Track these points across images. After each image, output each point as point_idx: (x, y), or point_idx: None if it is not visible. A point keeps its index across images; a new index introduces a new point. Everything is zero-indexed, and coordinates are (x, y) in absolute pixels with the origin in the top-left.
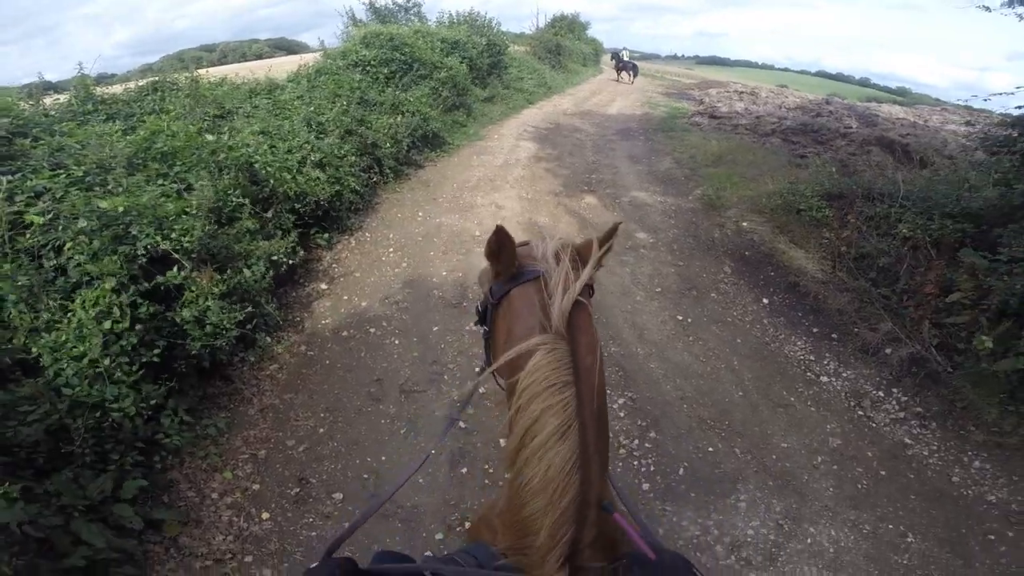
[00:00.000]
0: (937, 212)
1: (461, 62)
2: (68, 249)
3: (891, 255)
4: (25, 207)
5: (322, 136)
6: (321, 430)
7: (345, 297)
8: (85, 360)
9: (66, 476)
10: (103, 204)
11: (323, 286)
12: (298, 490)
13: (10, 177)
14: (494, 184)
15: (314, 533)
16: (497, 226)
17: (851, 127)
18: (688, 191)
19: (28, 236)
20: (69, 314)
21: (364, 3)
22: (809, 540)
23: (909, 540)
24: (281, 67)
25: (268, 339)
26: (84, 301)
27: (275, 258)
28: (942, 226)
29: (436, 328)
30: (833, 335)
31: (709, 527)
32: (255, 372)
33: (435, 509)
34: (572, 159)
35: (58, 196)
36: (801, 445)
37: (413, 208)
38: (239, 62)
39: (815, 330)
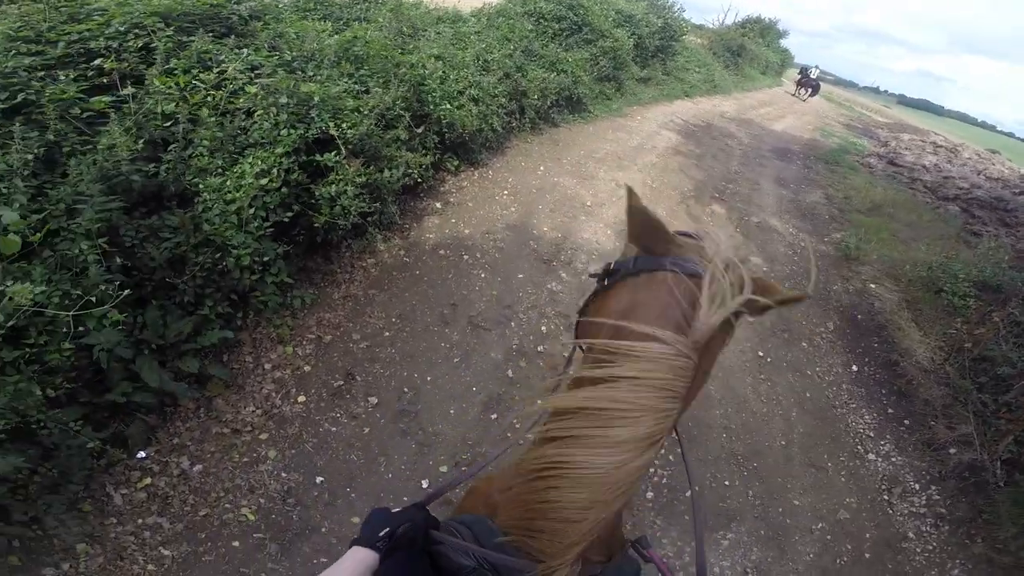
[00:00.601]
0: None
1: (629, 36)
2: (258, 115)
3: (1016, 367)
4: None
5: (484, 73)
6: (387, 333)
7: (453, 220)
8: (234, 206)
9: (155, 312)
10: (304, 88)
11: (438, 205)
12: (342, 383)
13: (249, 52)
14: (621, 163)
15: (335, 429)
16: (630, 189)
17: None
18: (827, 232)
19: (241, 99)
20: (237, 166)
21: None
22: None
23: None
24: (468, 2)
25: (378, 235)
26: (254, 159)
27: (411, 169)
28: None
29: (521, 276)
30: (906, 420)
31: (684, 552)
32: (353, 260)
33: (452, 443)
34: (713, 163)
35: (267, 73)
36: (811, 508)
37: (537, 161)
38: None
39: (890, 411)
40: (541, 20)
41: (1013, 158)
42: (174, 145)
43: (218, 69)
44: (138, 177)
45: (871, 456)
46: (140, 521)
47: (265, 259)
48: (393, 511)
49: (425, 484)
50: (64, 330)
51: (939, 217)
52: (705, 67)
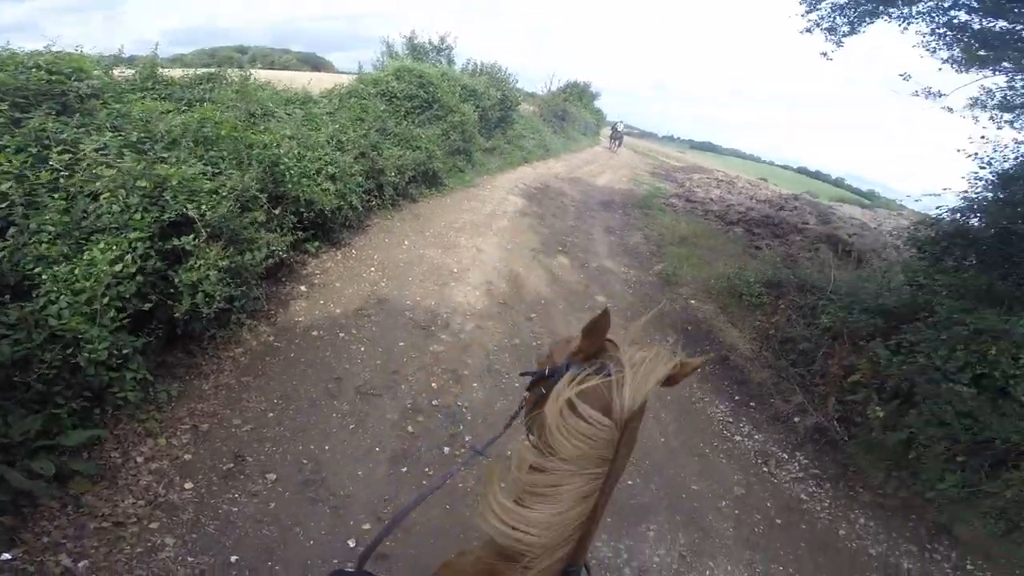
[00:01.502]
0: (858, 307)
1: (474, 110)
2: (104, 198)
3: (811, 341)
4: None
5: (340, 152)
6: (271, 414)
7: (321, 302)
8: (84, 295)
9: None
10: (158, 170)
11: (303, 288)
12: (231, 466)
13: (98, 133)
14: (479, 229)
15: (235, 509)
16: (605, 308)
17: (808, 223)
18: (650, 265)
19: (98, 182)
20: (85, 252)
21: (404, 37)
22: (708, 573)
23: None
24: (319, 82)
25: (247, 321)
26: (105, 244)
27: (274, 248)
28: (859, 319)
29: (402, 344)
30: (752, 403)
31: (620, 550)
32: (219, 351)
33: (367, 501)
34: (554, 220)
35: (114, 153)
36: (709, 490)
37: (401, 236)
38: (267, 69)
39: (737, 398)
40: (393, 99)
41: (777, 182)
42: (13, 230)
43: (61, 149)
44: None
45: (738, 438)
46: None
47: (124, 352)
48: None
49: (352, 543)
50: None
51: (729, 239)
52: (538, 133)
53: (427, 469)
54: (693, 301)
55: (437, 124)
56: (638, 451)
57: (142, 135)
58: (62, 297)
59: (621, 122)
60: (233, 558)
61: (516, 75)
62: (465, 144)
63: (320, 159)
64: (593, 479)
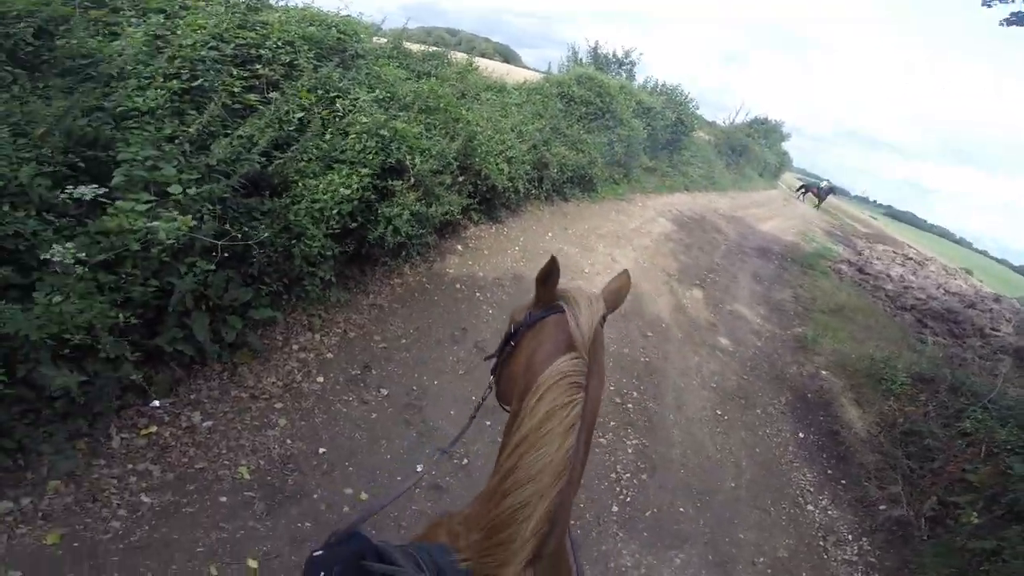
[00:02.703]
0: (1015, 422)
1: (644, 127)
2: (351, 139)
3: (941, 440)
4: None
5: (519, 140)
6: (403, 340)
7: (470, 263)
8: (318, 205)
9: (221, 276)
10: (395, 124)
11: (459, 247)
12: (358, 372)
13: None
14: (619, 241)
15: (345, 410)
16: (551, 256)
17: (999, 331)
18: (791, 325)
19: (357, 126)
20: (329, 174)
21: (590, 46)
22: None
23: None
24: (512, 75)
25: (413, 258)
26: (344, 172)
27: (451, 208)
28: (1011, 434)
29: None
30: (843, 480)
31: (641, 564)
32: (384, 278)
33: (449, 437)
34: (699, 253)
35: (365, 107)
36: (754, 543)
37: (547, 228)
38: (468, 54)
39: (829, 471)
40: (571, 102)
41: (984, 278)
42: (295, 147)
43: (336, 95)
44: (248, 166)
45: (810, 507)
46: (130, 466)
47: (327, 254)
48: (323, 554)
49: (419, 467)
50: (155, 268)
51: (893, 324)
52: (707, 164)
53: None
54: (824, 372)
55: (605, 133)
56: (701, 486)
57: (387, 94)
58: (303, 201)
59: (827, 180)
60: (321, 450)
61: (695, 101)
62: (627, 158)
63: (503, 142)
64: (573, 406)
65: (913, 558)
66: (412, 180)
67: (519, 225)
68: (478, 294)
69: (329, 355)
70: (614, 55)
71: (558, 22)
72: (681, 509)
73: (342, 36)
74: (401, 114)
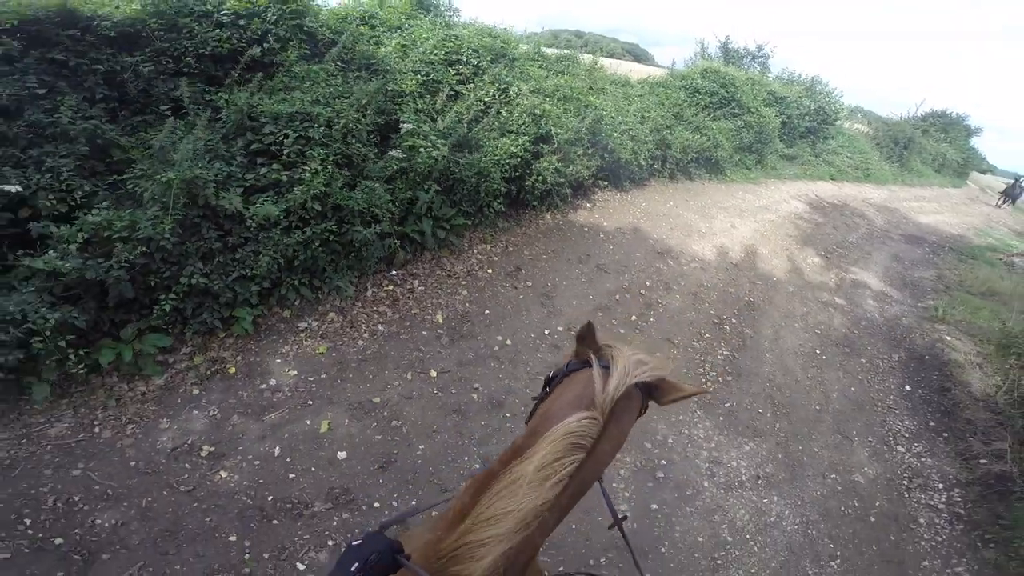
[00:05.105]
0: None
1: (777, 115)
2: (515, 115)
3: None
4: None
5: (641, 123)
6: (543, 256)
7: (596, 216)
8: (494, 158)
9: (440, 197)
10: (545, 106)
11: (587, 204)
12: (512, 270)
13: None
14: (742, 214)
15: (503, 291)
16: (588, 322)
17: None
18: (922, 299)
19: (519, 108)
20: (502, 139)
21: (719, 41)
22: (766, 503)
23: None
24: (636, 72)
25: (556, 205)
26: (510, 139)
27: (581, 172)
28: None
29: (638, 255)
30: (944, 433)
31: (712, 439)
32: (531, 219)
33: (568, 317)
34: (831, 231)
35: (524, 94)
36: (828, 460)
37: (668, 198)
38: (595, 54)
39: (931, 424)
40: (695, 93)
41: None
42: (484, 121)
43: (505, 86)
44: (460, 130)
45: (900, 448)
46: (374, 308)
47: (501, 191)
48: (359, 545)
49: (547, 332)
50: (415, 182)
51: None
52: (861, 154)
53: (620, 320)
54: (948, 338)
55: (732, 120)
56: (783, 399)
57: (536, 87)
58: (487, 157)
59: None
60: (486, 311)
61: (840, 91)
62: (759, 144)
63: (626, 123)
64: (565, 465)
65: (1006, 514)
66: (555, 145)
67: (642, 195)
68: (601, 236)
69: (495, 258)
70: (746, 49)
71: (692, 16)
72: (759, 410)
73: (504, 44)
74: (547, 100)
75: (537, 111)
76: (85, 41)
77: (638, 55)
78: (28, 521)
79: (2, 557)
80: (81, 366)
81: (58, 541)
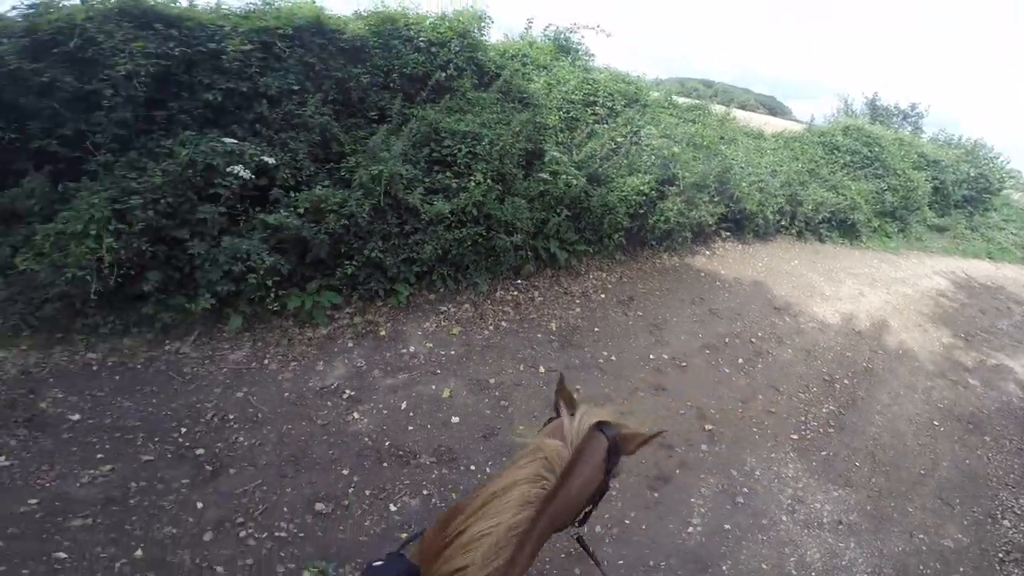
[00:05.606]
0: None
1: (928, 180)
2: (644, 156)
3: None
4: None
5: (771, 176)
6: (656, 292)
7: (715, 264)
8: (620, 194)
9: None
10: (673, 149)
11: (706, 252)
12: (625, 300)
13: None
14: (874, 283)
15: (613, 315)
16: (560, 376)
17: None
18: None
19: (647, 150)
20: (628, 177)
21: (865, 98)
22: (848, 557)
23: None
24: (770, 124)
25: (675, 248)
26: (636, 177)
27: (705, 219)
28: None
29: (753, 307)
30: None
31: (800, 480)
32: (649, 257)
33: (675, 348)
34: (977, 315)
35: (654, 138)
36: (920, 521)
37: (792, 257)
38: (725, 105)
39: None
40: (834, 151)
41: None
42: (614, 158)
43: (637, 129)
44: (594, 164)
45: (1006, 523)
46: (500, 307)
47: (623, 225)
48: (381, 566)
49: (651, 356)
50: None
51: None
52: None
53: (726, 360)
54: None
55: (873, 182)
56: (886, 458)
57: (665, 132)
58: (614, 192)
59: None
60: (596, 329)
61: (1008, 158)
62: (904, 211)
63: (756, 174)
64: (535, 487)
65: None
66: (680, 188)
67: (765, 250)
68: (718, 283)
69: (609, 285)
70: (896, 107)
71: (835, 70)
72: (857, 464)
73: (637, 90)
74: (676, 145)
75: (666, 152)
76: (327, 51)
77: (773, 108)
78: (184, 430)
79: (146, 459)
80: (275, 304)
81: (199, 451)
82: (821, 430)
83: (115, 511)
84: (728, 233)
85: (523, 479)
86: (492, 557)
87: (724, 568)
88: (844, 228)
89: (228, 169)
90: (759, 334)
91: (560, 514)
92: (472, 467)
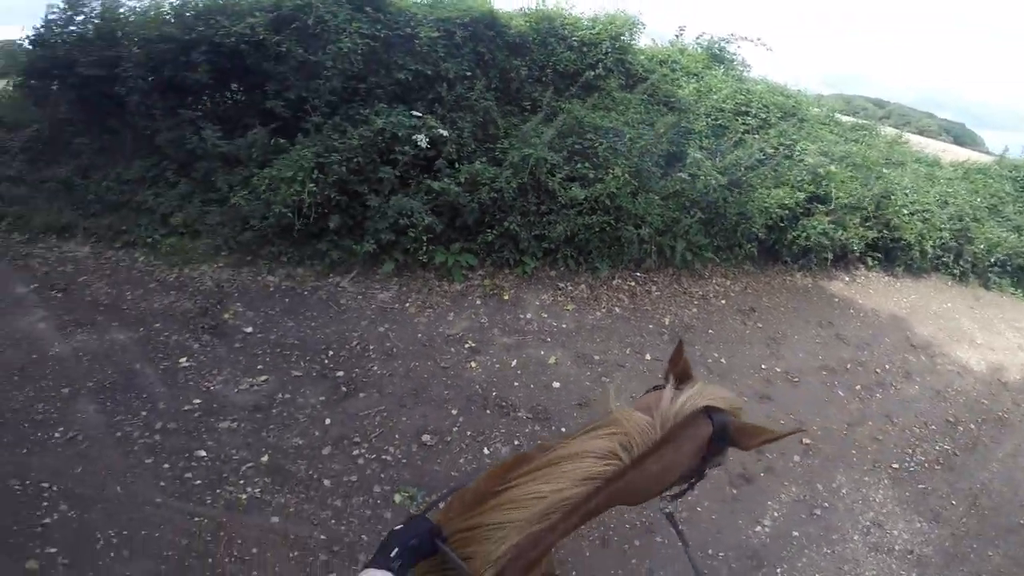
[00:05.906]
0: None
1: None
2: (794, 171)
3: None
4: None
5: (939, 208)
6: (781, 308)
7: (852, 292)
8: (763, 205)
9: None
10: (827, 167)
11: (845, 278)
12: (746, 309)
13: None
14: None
15: (731, 321)
16: (679, 341)
17: None
18: None
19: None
20: (775, 190)
21: None
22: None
23: None
24: (950, 153)
25: (810, 267)
26: (786, 189)
27: (856, 240)
28: None
29: (887, 340)
30: None
31: (887, 504)
32: (779, 272)
33: (795, 362)
34: None
35: (809, 154)
36: (998, 565)
37: (944, 299)
38: (899, 128)
39: None
40: None
41: None
42: (762, 169)
43: (790, 142)
44: (736, 171)
45: None
46: (615, 294)
47: (758, 235)
48: (402, 529)
49: (763, 367)
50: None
51: None
52: None
53: (843, 383)
54: None
55: None
56: (994, 503)
57: (823, 149)
58: (754, 202)
59: None
60: (710, 331)
61: None
62: None
63: (921, 203)
64: (602, 464)
65: None
66: (831, 207)
67: (915, 287)
68: (851, 311)
69: (732, 293)
70: None
71: None
72: (953, 502)
73: (796, 105)
74: (833, 163)
75: (821, 170)
76: (495, 43)
77: (960, 136)
78: (331, 353)
79: (296, 374)
80: (424, 257)
81: (339, 373)
82: (927, 465)
83: (258, 418)
84: (875, 262)
85: (592, 451)
86: (535, 521)
87: (778, 571)
88: (1020, 276)
89: (412, 137)
90: (886, 366)
91: (625, 495)
92: (563, 428)
